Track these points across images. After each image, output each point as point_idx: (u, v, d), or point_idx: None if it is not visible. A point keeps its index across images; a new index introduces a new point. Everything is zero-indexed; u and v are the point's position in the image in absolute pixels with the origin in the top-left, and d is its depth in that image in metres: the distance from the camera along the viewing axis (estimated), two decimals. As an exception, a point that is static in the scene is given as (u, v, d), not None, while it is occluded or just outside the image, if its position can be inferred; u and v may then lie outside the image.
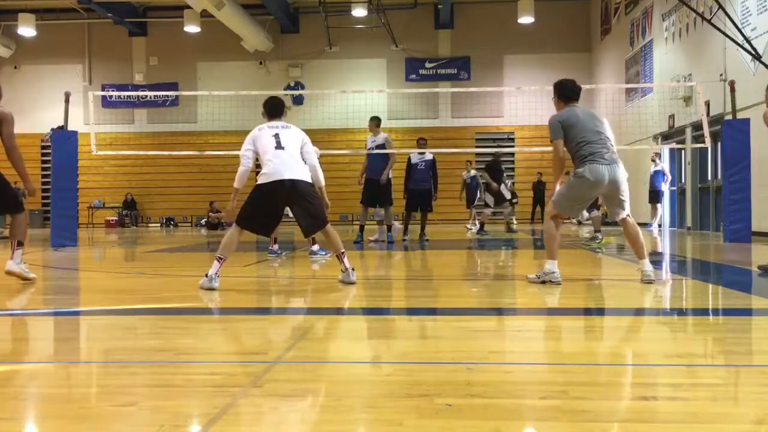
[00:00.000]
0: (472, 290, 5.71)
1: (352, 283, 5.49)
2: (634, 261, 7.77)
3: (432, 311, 4.58)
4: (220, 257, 5.29)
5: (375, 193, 11.05)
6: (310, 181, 5.56)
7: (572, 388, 2.45)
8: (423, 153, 11.84)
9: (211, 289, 5.17)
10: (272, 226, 5.86)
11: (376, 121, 11.19)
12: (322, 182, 5.80)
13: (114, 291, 5.67)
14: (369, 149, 11.17)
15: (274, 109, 5.85)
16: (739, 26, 12.17)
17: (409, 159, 12.00)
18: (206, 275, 5.24)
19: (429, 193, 11.90)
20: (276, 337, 3.71)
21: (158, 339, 3.56)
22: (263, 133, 5.64)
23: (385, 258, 9.25)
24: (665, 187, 17.22)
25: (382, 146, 11.02)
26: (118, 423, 2.17)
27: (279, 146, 5.50)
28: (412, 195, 11.89)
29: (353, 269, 5.58)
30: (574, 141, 5.40)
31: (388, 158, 11.04)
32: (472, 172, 17.23)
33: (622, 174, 5.40)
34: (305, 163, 5.64)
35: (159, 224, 25.48)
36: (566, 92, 5.63)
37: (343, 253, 5.56)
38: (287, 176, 5.41)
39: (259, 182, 5.50)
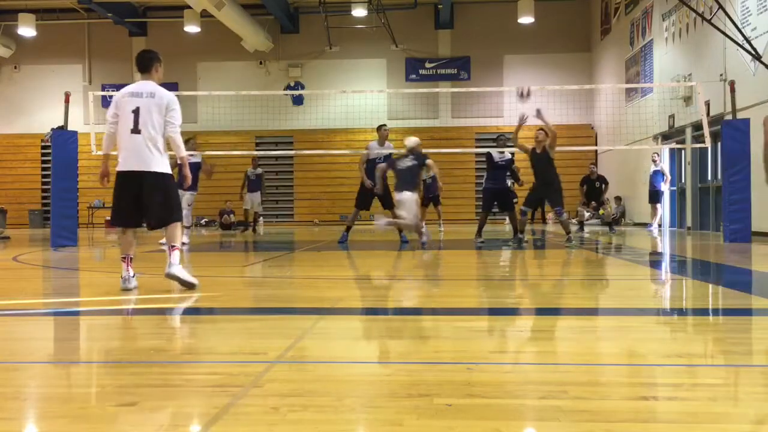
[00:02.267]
0: (481, 290, 5.71)
1: (173, 276, 5.30)
2: (633, 261, 7.78)
3: (433, 311, 4.58)
4: (123, 257, 5.25)
5: (379, 198, 11.03)
6: (165, 171, 5.27)
7: (572, 388, 2.45)
8: (503, 152, 11.40)
9: (127, 289, 5.20)
10: (139, 219, 5.46)
11: (387, 130, 11.24)
12: (182, 153, 5.43)
13: (114, 291, 5.67)
14: (373, 157, 11.11)
15: (139, 63, 5.43)
16: (739, 26, 12.17)
17: (491, 157, 11.40)
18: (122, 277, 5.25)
19: (507, 192, 11.67)
20: (276, 337, 3.71)
21: (158, 339, 3.56)
22: (125, 102, 5.26)
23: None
24: (665, 187, 17.23)
25: (389, 155, 11.06)
26: (118, 423, 2.17)
27: (135, 129, 5.17)
28: (491, 195, 11.37)
29: (176, 264, 5.41)
30: None
31: None
32: (432, 172, 16.77)
33: None
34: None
35: (159, 224, 25.45)
36: None
37: (174, 247, 5.38)
38: (138, 168, 5.18)
39: (117, 169, 5.28)
